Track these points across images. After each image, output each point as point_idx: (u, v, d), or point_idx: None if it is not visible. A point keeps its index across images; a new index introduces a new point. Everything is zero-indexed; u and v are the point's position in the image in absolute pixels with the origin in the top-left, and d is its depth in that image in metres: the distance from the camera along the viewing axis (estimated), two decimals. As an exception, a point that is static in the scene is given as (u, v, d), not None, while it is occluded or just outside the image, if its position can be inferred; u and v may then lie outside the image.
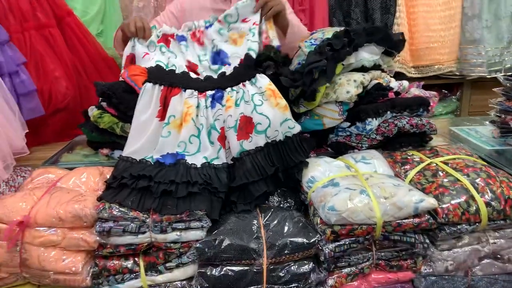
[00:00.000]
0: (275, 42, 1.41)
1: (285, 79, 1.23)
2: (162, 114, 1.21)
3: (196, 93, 1.24)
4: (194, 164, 1.17)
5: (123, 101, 1.26)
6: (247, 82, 1.24)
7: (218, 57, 1.44)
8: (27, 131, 1.32)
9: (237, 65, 1.35)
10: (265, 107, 1.19)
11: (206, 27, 1.48)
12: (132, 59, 1.43)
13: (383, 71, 1.41)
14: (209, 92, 1.24)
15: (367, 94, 1.32)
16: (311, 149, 1.31)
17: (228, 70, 1.36)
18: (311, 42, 1.33)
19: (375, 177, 1.13)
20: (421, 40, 2.22)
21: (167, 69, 1.34)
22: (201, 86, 1.26)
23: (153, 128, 1.20)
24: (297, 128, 1.22)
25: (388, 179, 1.12)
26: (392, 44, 1.35)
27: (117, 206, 1.04)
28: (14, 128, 1.24)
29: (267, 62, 1.31)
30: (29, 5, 1.54)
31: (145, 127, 1.20)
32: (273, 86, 1.22)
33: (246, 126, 1.18)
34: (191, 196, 1.09)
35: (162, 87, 1.22)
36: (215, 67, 1.41)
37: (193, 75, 1.35)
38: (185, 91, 1.23)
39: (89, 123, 1.35)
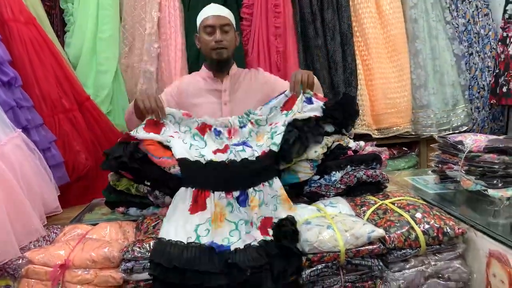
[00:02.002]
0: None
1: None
2: (192, 208, 1.44)
3: (224, 194, 1.48)
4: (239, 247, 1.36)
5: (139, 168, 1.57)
6: (266, 183, 1.51)
7: (242, 144, 1.70)
8: (59, 193, 1.63)
9: (260, 156, 1.59)
10: (279, 211, 1.46)
11: (241, 127, 1.74)
12: (155, 123, 1.68)
13: (343, 134, 1.78)
14: (235, 193, 1.48)
15: (331, 153, 1.68)
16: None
17: (248, 154, 1.61)
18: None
19: (339, 216, 1.44)
20: (380, 106, 2.64)
21: (192, 160, 1.56)
22: (228, 186, 1.50)
23: (184, 219, 1.42)
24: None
25: (348, 217, 1.44)
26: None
27: (138, 248, 1.33)
28: (50, 191, 1.54)
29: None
30: (57, 94, 1.92)
31: (181, 219, 1.42)
32: (284, 193, 1.50)
33: (266, 224, 1.43)
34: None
35: (193, 189, 1.48)
36: (239, 147, 1.65)
37: (217, 157, 1.60)
38: (213, 192, 1.47)
39: (108, 187, 1.66)
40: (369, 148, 1.79)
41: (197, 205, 1.46)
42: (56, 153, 1.78)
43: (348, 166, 1.65)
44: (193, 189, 1.48)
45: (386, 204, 1.52)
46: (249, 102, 1.97)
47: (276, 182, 1.52)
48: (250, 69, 2.21)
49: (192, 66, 2.53)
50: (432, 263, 1.38)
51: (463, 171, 1.61)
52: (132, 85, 2.52)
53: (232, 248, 1.35)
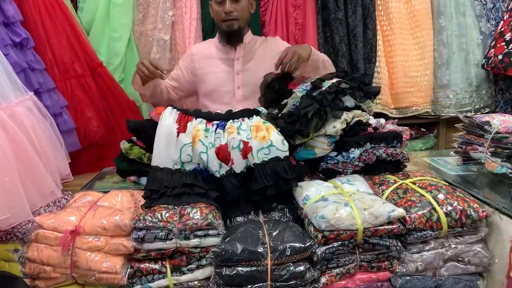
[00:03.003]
0: None
1: (284, 126, 1.53)
2: (179, 132, 1.49)
3: (204, 121, 1.53)
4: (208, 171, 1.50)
5: (150, 135, 1.53)
6: (245, 118, 1.55)
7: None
8: (69, 161, 1.59)
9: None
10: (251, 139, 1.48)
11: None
12: None
13: (363, 110, 1.71)
14: (216, 122, 1.54)
15: (350, 129, 1.61)
16: (306, 174, 1.60)
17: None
18: (303, 88, 1.64)
19: (357, 194, 1.40)
20: (400, 85, 2.54)
21: None
22: (210, 116, 1.56)
23: (175, 141, 1.48)
24: (274, 154, 1.46)
25: (367, 196, 1.39)
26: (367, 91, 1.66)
27: (149, 217, 1.30)
28: (62, 158, 1.51)
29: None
30: (70, 59, 1.87)
31: (169, 140, 1.48)
32: (259, 124, 1.51)
33: (246, 148, 1.47)
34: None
35: (178, 112, 1.53)
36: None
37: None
38: (196, 119, 1.53)
39: (120, 155, 1.62)
40: (390, 126, 1.73)
41: (180, 127, 1.50)
42: (68, 118, 1.74)
43: (368, 144, 1.59)
44: (178, 112, 1.53)
45: (407, 184, 1.46)
46: (262, 71, 1.92)
47: (256, 118, 1.55)
48: (266, 37, 2.16)
49: (207, 36, 2.45)
50: (453, 246, 1.34)
51: (489, 153, 1.54)
52: (145, 53, 2.45)
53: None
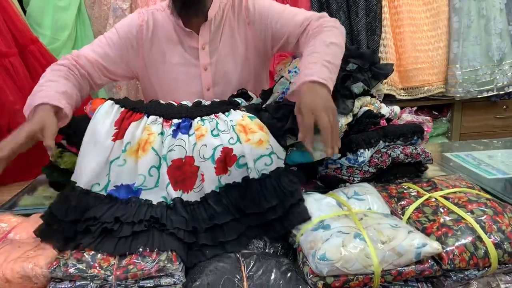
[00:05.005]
0: None
1: (270, 122, 1.12)
2: (116, 138, 1.08)
3: (161, 119, 1.11)
4: (149, 200, 1.05)
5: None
6: (220, 114, 1.13)
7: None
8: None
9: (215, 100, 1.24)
10: (239, 144, 1.07)
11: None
12: None
13: (372, 96, 1.31)
14: (176, 121, 1.12)
15: (356, 123, 1.22)
16: (301, 183, 1.19)
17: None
18: (295, 71, 1.23)
19: (370, 217, 1.01)
20: (409, 61, 2.16)
21: None
22: (168, 112, 1.14)
23: (106, 151, 1.07)
24: (276, 164, 1.08)
25: (384, 218, 1.00)
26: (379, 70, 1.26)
27: (75, 263, 0.90)
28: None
29: None
30: (-15, 33, 1.42)
31: (98, 149, 1.07)
32: (245, 121, 1.10)
33: (228, 158, 1.07)
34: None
35: (122, 109, 1.11)
36: None
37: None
38: (148, 117, 1.11)
39: (50, 162, 1.21)
40: (407, 117, 1.33)
41: (119, 130, 1.08)
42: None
43: (381, 142, 1.19)
44: (122, 109, 1.11)
45: (436, 199, 1.07)
46: (236, 61, 1.45)
47: (234, 113, 1.13)
48: None
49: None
50: (502, 286, 0.96)
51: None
52: (99, 26, 2.03)
53: (144, 198, 1.05)
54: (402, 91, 2.15)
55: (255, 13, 1.41)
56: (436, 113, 2.34)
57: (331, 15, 2.09)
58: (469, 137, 2.31)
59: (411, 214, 1.05)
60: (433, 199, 1.08)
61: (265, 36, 1.43)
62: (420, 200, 1.07)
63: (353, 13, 2.10)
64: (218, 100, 1.28)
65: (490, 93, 2.13)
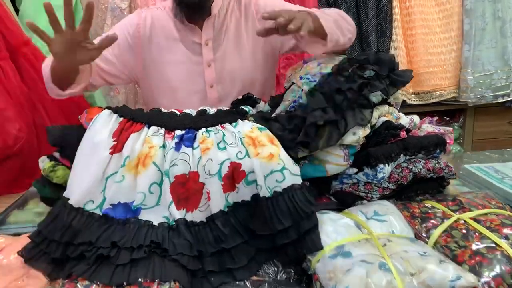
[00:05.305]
0: None
1: (281, 134, 1.02)
2: (114, 151, 0.98)
3: (162, 131, 1.02)
4: (150, 221, 0.95)
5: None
6: (226, 124, 1.04)
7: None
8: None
9: (222, 108, 1.14)
10: (247, 159, 0.97)
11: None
12: None
13: (389, 105, 1.21)
14: (178, 132, 1.02)
15: (374, 134, 1.12)
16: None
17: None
18: (308, 78, 1.13)
19: (395, 242, 0.91)
20: (421, 64, 2.06)
21: None
22: (171, 123, 1.05)
23: (102, 164, 0.97)
24: (290, 181, 0.99)
25: (410, 244, 0.90)
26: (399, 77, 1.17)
27: (67, 296, 0.80)
28: None
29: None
30: (-27, 36, 1.32)
31: (93, 162, 0.97)
32: (254, 133, 1.01)
33: (236, 174, 0.97)
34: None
35: (121, 118, 1.01)
36: None
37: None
38: (149, 127, 1.02)
39: (42, 177, 1.11)
40: (427, 127, 1.23)
41: (118, 143, 0.98)
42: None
43: (401, 155, 1.10)
44: (121, 119, 1.01)
45: (465, 221, 0.98)
46: (242, 57, 1.42)
47: (242, 124, 1.04)
48: None
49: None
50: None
51: None
52: (97, 26, 1.93)
53: (144, 219, 0.95)
54: (413, 95, 2.06)
55: (266, 8, 1.40)
56: (448, 118, 2.24)
57: (339, 15, 2.02)
58: (482, 144, 2.22)
59: (438, 238, 0.96)
60: (462, 221, 0.98)
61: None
62: (447, 222, 0.98)
63: (362, 14, 2.00)
64: (224, 108, 1.18)
65: (506, 98, 2.04)
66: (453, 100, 2.12)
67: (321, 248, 0.93)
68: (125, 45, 1.38)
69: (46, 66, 1.22)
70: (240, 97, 1.31)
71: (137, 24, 1.38)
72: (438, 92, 2.07)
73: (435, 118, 1.28)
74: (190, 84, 1.41)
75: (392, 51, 2.02)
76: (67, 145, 1.03)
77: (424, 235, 0.98)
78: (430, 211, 1.04)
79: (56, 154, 1.07)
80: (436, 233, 0.97)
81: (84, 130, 1.03)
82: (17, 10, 1.78)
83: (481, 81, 2.07)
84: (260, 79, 1.49)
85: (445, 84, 2.06)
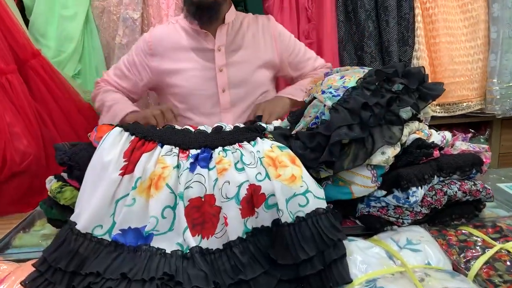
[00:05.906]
0: None
1: (303, 153, 0.95)
2: (125, 172, 0.91)
3: (176, 150, 0.95)
4: (162, 249, 0.87)
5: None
6: (244, 143, 0.96)
7: None
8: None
9: (239, 125, 1.07)
10: (266, 180, 0.90)
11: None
12: None
13: (419, 120, 1.12)
14: (193, 151, 0.95)
15: (404, 153, 1.03)
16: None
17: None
18: (330, 93, 1.05)
19: (433, 277, 0.82)
20: (445, 74, 1.96)
21: None
22: (185, 141, 0.98)
23: (112, 186, 0.90)
24: (314, 205, 0.91)
25: (450, 279, 0.81)
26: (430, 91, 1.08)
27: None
28: None
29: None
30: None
31: (102, 184, 0.90)
32: (275, 153, 0.93)
33: (255, 197, 0.89)
34: None
35: (132, 137, 0.95)
36: None
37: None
38: (162, 146, 0.95)
39: (48, 198, 1.05)
40: (461, 145, 1.14)
41: (128, 164, 0.92)
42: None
43: (435, 177, 1.01)
44: (132, 137, 0.95)
45: (509, 251, 0.88)
46: (255, 64, 1.51)
47: (261, 143, 0.97)
48: (255, 14, 1.61)
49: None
50: None
51: None
52: (108, 37, 1.88)
53: (156, 246, 0.88)
54: (438, 107, 1.95)
55: (280, 37, 1.57)
56: (473, 131, 2.13)
57: (358, 24, 1.94)
58: (509, 158, 2.11)
59: (479, 270, 0.86)
60: (505, 252, 0.89)
61: (281, 57, 1.58)
62: (489, 253, 0.89)
63: (383, 23, 1.92)
64: (241, 125, 1.11)
65: (535, 111, 1.94)
66: (478, 111, 2.02)
67: (350, 281, 0.84)
68: (142, 63, 1.50)
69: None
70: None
71: (148, 42, 1.49)
72: (465, 104, 1.96)
73: (469, 135, 1.19)
74: (202, 89, 1.48)
75: (414, 61, 1.93)
76: (75, 164, 0.96)
77: (463, 267, 0.89)
78: (468, 239, 0.95)
79: (64, 174, 1.00)
80: (477, 265, 0.87)
81: (94, 148, 0.97)
82: (26, 21, 1.74)
83: (509, 92, 1.96)
84: (273, 87, 1.63)
85: (471, 95, 1.95)
